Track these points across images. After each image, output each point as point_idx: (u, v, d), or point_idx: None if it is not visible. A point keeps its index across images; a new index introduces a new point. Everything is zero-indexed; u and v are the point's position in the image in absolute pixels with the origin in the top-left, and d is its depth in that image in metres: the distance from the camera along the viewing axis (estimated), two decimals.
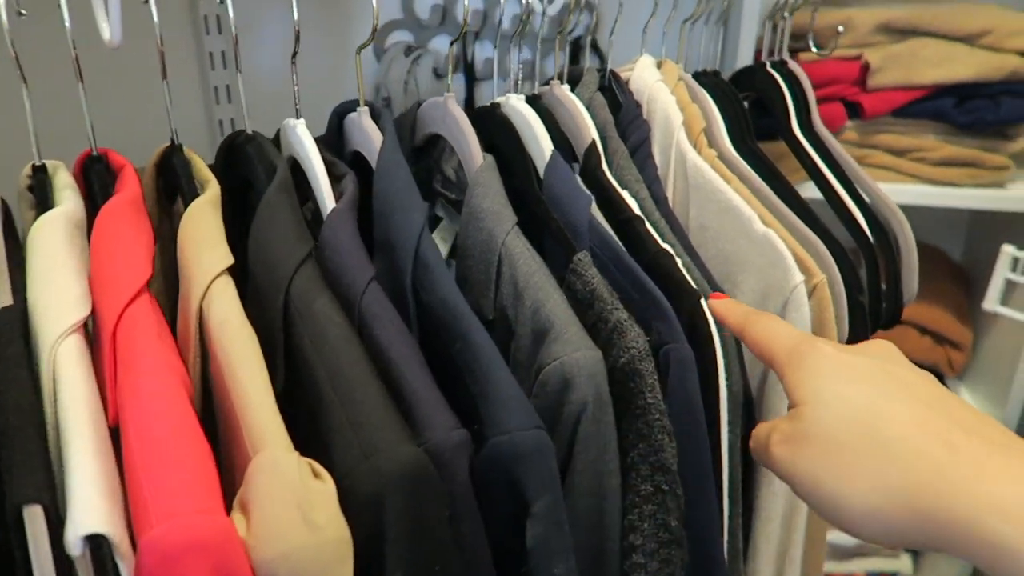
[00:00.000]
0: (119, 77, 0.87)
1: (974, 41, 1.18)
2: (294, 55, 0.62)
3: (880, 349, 0.42)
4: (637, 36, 0.88)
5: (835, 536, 1.51)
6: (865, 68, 1.20)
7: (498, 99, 0.75)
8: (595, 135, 0.73)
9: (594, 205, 0.66)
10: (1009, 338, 1.26)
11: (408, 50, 1.09)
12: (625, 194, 0.68)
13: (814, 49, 1.10)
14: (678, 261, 0.63)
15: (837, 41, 1.15)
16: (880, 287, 0.78)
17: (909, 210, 1.23)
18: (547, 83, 0.79)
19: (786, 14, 0.97)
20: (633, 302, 0.58)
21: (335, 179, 0.65)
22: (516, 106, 0.71)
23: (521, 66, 0.79)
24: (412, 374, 0.48)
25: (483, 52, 1.19)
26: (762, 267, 0.68)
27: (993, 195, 1.19)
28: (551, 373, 0.52)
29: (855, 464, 0.37)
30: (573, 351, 0.52)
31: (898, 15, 1.19)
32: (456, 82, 1.18)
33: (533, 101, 0.73)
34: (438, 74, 1.13)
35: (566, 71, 0.79)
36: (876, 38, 1.21)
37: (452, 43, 0.68)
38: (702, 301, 0.60)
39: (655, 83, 0.79)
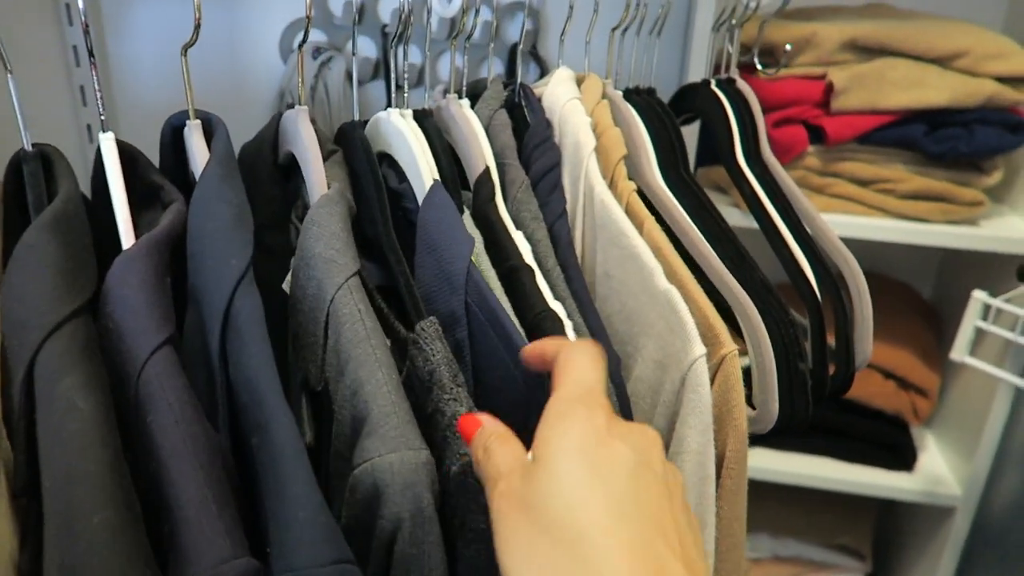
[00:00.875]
0: None
1: (948, 63, 1.07)
2: (188, 46, 0.51)
3: (641, 439, 0.39)
4: (578, 46, 0.76)
5: (803, 551, 1.41)
6: (829, 88, 1.09)
7: (380, 113, 0.63)
8: (490, 161, 0.61)
9: (479, 250, 0.55)
10: (979, 386, 1.16)
11: (316, 52, 0.97)
12: (518, 236, 0.57)
13: (759, 66, 0.99)
14: (566, 325, 0.51)
15: (789, 59, 1.05)
16: (825, 352, 0.67)
17: (876, 245, 1.13)
18: (444, 94, 0.67)
19: (733, 23, 0.86)
20: (513, 384, 0.47)
21: (163, 207, 0.53)
22: (395, 124, 0.59)
23: (410, 70, 0.68)
24: (183, 483, 0.36)
25: (408, 57, 1.07)
26: (661, 332, 0.56)
27: (965, 233, 1.08)
28: (360, 477, 0.41)
29: (543, 563, 0.34)
30: (388, 451, 0.40)
31: (867, 31, 1.09)
32: (375, 90, 1.06)
33: (422, 117, 0.61)
34: (352, 79, 1.00)
35: (464, 81, 0.67)
36: (842, 56, 1.11)
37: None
38: None
39: (568, 102, 0.68)
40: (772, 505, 1.43)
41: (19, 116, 0.47)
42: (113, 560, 0.33)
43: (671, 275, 0.59)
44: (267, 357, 0.43)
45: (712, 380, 0.56)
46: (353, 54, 0.60)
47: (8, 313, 0.41)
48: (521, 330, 0.50)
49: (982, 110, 1.06)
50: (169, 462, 0.37)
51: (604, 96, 0.72)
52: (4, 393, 0.41)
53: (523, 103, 0.70)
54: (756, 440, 1.28)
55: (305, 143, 0.55)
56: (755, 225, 0.75)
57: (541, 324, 0.51)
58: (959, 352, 1.01)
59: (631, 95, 0.78)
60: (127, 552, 0.33)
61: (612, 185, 0.65)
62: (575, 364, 0.41)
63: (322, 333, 0.46)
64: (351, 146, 0.58)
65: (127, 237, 0.47)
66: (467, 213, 0.59)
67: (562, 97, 0.68)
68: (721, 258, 0.64)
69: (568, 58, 0.75)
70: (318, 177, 0.54)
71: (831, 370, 0.67)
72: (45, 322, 0.40)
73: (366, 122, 0.62)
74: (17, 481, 0.39)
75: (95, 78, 0.51)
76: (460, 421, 0.42)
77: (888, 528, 1.48)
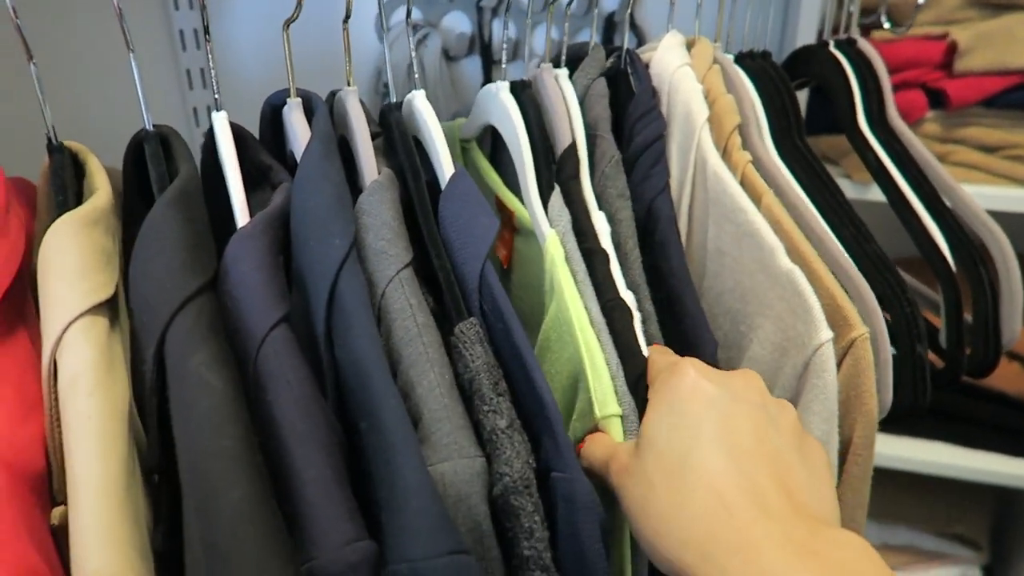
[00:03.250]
0: (76, 60, 0.77)
1: None
2: (290, 21, 0.51)
3: (737, 379, 0.42)
4: (683, 10, 0.73)
5: (915, 540, 1.35)
6: (951, 49, 1.02)
7: (489, 86, 0.61)
8: (578, 135, 0.58)
9: (566, 229, 0.52)
10: None
11: (413, 28, 0.95)
12: (598, 216, 0.54)
13: (886, 25, 0.93)
14: (635, 319, 0.49)
15: (915, 16, 0.98)
16: (961, 330, 0.62)
17: (1002, 217, 1.05)
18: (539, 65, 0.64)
19: None
20: (524, 399, 0.44)
21: (271, 187, 0.53)
22: (417, 106, 0.56)
23: (508, 43, 0.65)
24: (303, 462, 0.36)
25: (503, 31, 1.05)
26: (782, 314, 0.53)
27: None
28: None
29: (663, 514, 0.37)
30: (440, 459, 0.38)
31: None
32: (471, 65, 1.05)
33: (519, 90, 0.59)
34: (449, 56, 0.99)
35: (564, 49, 0.64)
36: (965, 13, 1.03)
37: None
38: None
39: (679, 68, 0.64)
40: (882, 491, 1.35)
41: (140, 96, 0.48)
42: (254, 535, 0.32)
43: (793, 253, 0.55)
44: (374, 339, 0.42)
45: (840, 364, 0.53)
46: (483, 33, 0.58)
47: (137, 288, 0.41)
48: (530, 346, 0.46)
49: None
50: (289, 441, 0.37)
51: (715, 62, 0.68)
52: (135, 371, 0.41)
53: (629, 70, 0.67)
54: None
55: (354, 126, 0.52)
56: (877, 197, 0.71)
57: (612, 314, 0.48)
58: None
59: (743, 59, 0.74)
60: (267, 527, 0.33)
61: (726, 156, 0.62)
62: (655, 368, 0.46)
63: (377, 330, 0.44)
64: (388, 131, 0.55)
65: (242, 215, 0.47)
66: (558, 190, 0.56)
67: (672, 64, 0.65)
68: (835, 233, 0.60)
69: (674, 23, 0.72)
70: (368, 162, 0.51)
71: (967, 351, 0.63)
72: (174, 298, 0.40)
73: (400, 104, 0.58)
74: (150, 458, 0.39)
75: (210, 60, 0.51)
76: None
77: (1007, 518, 1.39)
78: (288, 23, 0.51)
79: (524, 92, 0.59)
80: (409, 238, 0.49)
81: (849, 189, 1.05)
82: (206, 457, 0.34)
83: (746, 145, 0.65)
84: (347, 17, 0.54)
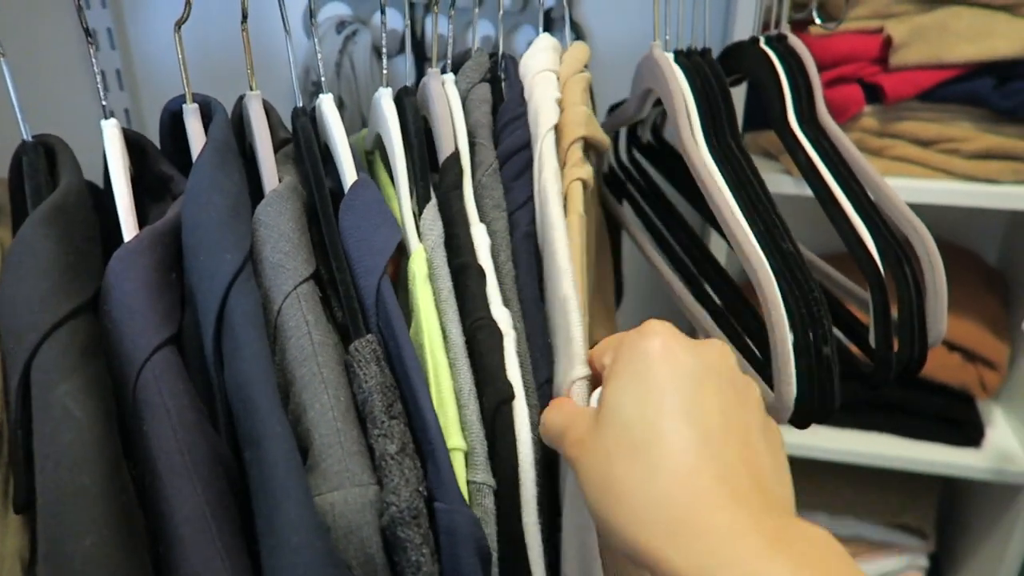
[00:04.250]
0: None
1: (1018, 9, 0.99)
2: (180, 23, 0.49)
3: (714, 352, 0.39)
4: (627, 5, 0.70)
5: (863, 531, 1.36)
6: (887, 43, 1.01)
7: (376, 93, 0.58)
8: (461, 143, 0.55)
9: (435, 244, 0.50)
10: None
11: (341, 25, 0.93)
12: (478, 229, 0.51)
13: (818, 20, 0.92)
14: (507, 340, 0.46)
15: (847, 12, 0.97)
16: (889, 329, 0.61)
17: (938, 209, 1.05)
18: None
19: None
20: (413, 422, 0.42)
21: (172, 198, 0.50)
22: (323, 110, 0.54)
23: (442, 40, 0.63)
24: (179, 498, 0.34)
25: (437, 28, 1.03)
26: (562, 342, 0.48)
27: None
28: None
29: (625, 492, 0.35)
30: (330, 488, 0.36)
31: None
32: (403, 64, 1.02)
33: (402, 96, 0.56)
34: (379, 53, 0.97)
35: (450, 53, 0.61)
36: (901, 7, 1.03)
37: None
38: (512, 404, 0.43)
39: (539, 73, 0.61)
40: (830, 484, 1.37)
41: (15, 105, 0.45)
42: (97, 549, 0.30)
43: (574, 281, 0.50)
44: (262, 361, 0.39)
45: None
46: (415, 30, 0.56)
47: (3, 315, 0.38)
48: (421, 370, 0.44)
49: None
50: (165, 475, 0.35)
51: (585, 67, 0.66)
52: (6, 403, 0.38)
53: (503, 76, 0.64)
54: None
55: (256, 133, 0.50)
56: (811, 193, 0.70)
57: (476, 335, 0.46)
58: None
59: (679, 57, 0.72)
60: (106, 550, 0.31)
61: (564, 168, 0.58)
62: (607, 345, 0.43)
63: (273, 348, 0.42)
64: (295, 136, 0.53)
65: (129, 229, 0.44)
66: (433, 202, 0.54)
67: (534, 68, 0.62)
68: (753, 229, 0.58)
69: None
70: (269, 170, 0.50)
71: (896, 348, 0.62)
72: (41, 323, 0.37)
73: (312, 110, 0.56)
74: (18, 497, 0.37)
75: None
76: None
77: (952, 507, 1.41)
78: (179, 24, 0.49)
79: (407, 99, 0.56)
80: (314, 250, 0.47)
81: (791, 185, 1.05)
82: (62, 497, 0.32)
83: (676, 143, 0.63)
84: (244, 18, 0.51)
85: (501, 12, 0.68)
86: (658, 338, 0.38)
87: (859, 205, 0.65)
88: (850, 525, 1.37)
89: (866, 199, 0.67)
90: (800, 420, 0.60)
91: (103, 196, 0.49)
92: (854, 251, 0.63)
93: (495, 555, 0.43)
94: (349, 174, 0.50)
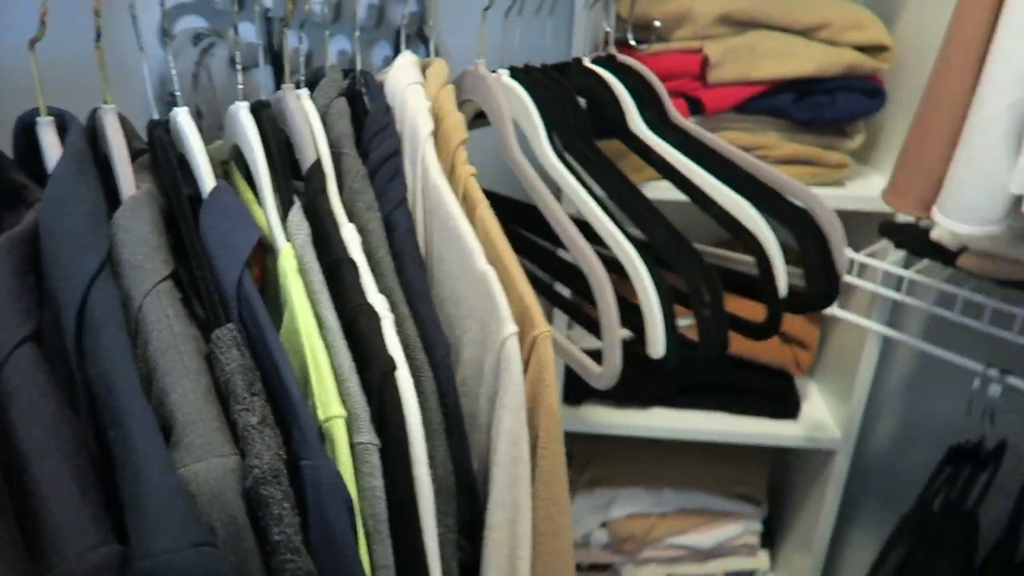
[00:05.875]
0: None
1: (813, 34, 1.14)
2: (35, 40, 0.51)
3: None
4: (475, 25, 0.77)
5: (692, 540, 1.49)
6: (705, 62, 1.14)
7: (231, 107, 0.63)
8: (323, 152, 0.62)
9: (304, 243, 0.56)
10: (852, 336, 1.25)
11: (197, 38, 0.95)
12: (348, 228, 0.58)
13: (632, 41, 1.03)
14: (383, 321, 0.53)
15: (661, 34, 1.10)
16: (774, 288, 0.72)
17: None
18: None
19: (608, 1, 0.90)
20: (277, 397, 0.48)
21: (27, 206, 0.53)
22: (178, 122, 0.59)
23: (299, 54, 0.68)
24: (44, 476, 0.38)
25: (294, 41, 1.07)
26: (480, 313, 0.58)
27: (832, 193, 1.16)
28: None
29: None
30: (194, 460, 0.41)
31: (738, 6, 1.15)
32: (262, 75, 1.05)
33: (258, 109, 0.62)
34: (236, 66, 1.00)
35: (303, 73, 0.67)
36: (717, 30, 1.16)
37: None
38: (395, 374, 0.50)
39: (408, 87, 0.68)
40: (676, 461, 1.50)
41: None
42: None
43: (494, 258, 0.61)
44: (122, 351, 0.44)
45: (527, 363, 0.58)
46: (272, 43, 0.60)
47: None
48: (287, 354, 0.49)
49: (844, 78, 1.14)
50: (31, 456, 0.39)
51: (448, 81, 0.74)
52: None
53: (363, 90, 0.71)
54: (655, 400, 1.35)
55: (111, 144, 0.54)
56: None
57: (356, 319, 0.52)
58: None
59: (518, 72, 0.80)
60: None
61: (452, 170, 0.67)
62: None
63: (134, 342, 0.46)
64: (151, 146, 0.58)
65: None
66: (297, 205, 0.59)
67: (402, 82, 0.69)
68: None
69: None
70: (126, 179, 0.54)
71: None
72: None
73: (167, 121, 0.60)
74: None
75: None
76: None
77: (782, 474, 1.58)
78: (33, 42, 0.51)
79: (264, 111, 0.61)
80: (175, 252, 0.51)
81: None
82: None
83: (528, 151, 0.71)
84: (97, 36, 0.55)
85: (358, 32, 0.74)
86: None
87: (740, 188, 0.74)
88: (695, 498, 1.51)
89: (741, 178, 0.76)
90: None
91: None
92: (729, 228, 0.73)
93: (384, 507, 0.49)
94: (208, 180, 0.55)
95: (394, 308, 0.55)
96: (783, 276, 0.73)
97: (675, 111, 0.87)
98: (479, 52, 0.79)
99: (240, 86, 0.63)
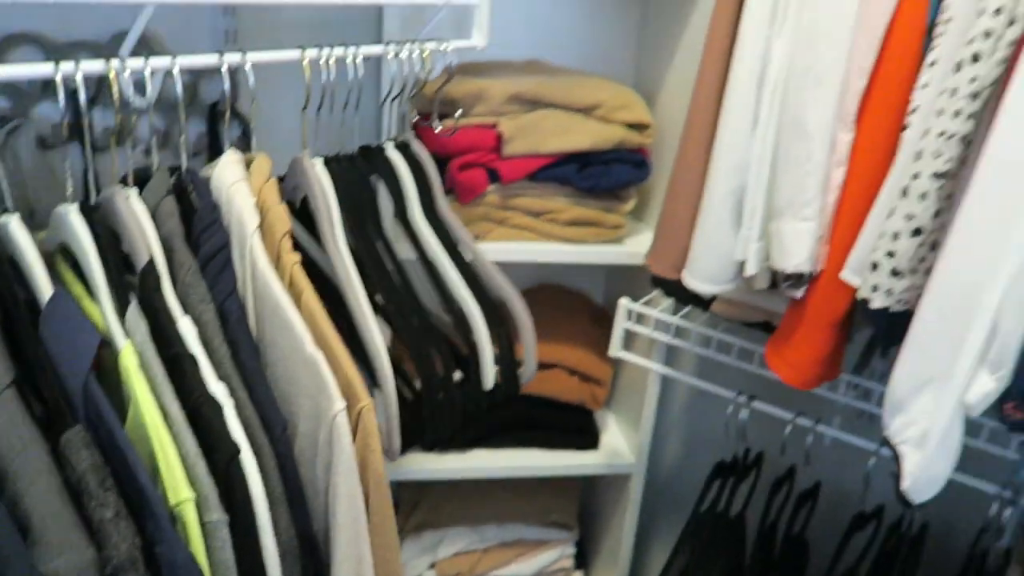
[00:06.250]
0: None
1: (589, 113, 1.31)
2: None
3: None
4: (286, 106, 0.84)
5: (514, 570, 1.60)
6: (499, 137, 1.28)
7: (59, 209, 0.67)
8: (155, 250, 0.67)
9: (144, 339, 0.61)
10: (638, 373, 1.43)
11: (1, 121, 0.96)
12: (184, 321, 0.64)
13: (435, 127, 1.15)
14: (224, 408, 0.60)
15: (460, 116, 1.22)
16: (479, 376, 0.83)
17: (549, 267, 1.34)
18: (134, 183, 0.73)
19: (412, 93, 1.01)
20: (129, 490, 0.53)
21: None
22: (10, 230, 0.62)
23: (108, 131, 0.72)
24: None
25: (103, 119, 1.09)
26: (312, 392, 0.67)
27: (612, 250, 1.34)
28: None
29: None
30: (52, 557, 0.46)
31: (526, 87, 1.30)
32: (71, 152, 1.07)
33: (89, 211, 0.67)
34: (45, 145, 1.01)
35: (131, 172, 0.73)
36: (509, 108, 1.30)
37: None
38: (239, 457, 0.57)
39: (233, 184, 0.76)
40: (495, 497, 1.61)
41: None
42: None
43: (321, 340, 0.69)
44: None
45: (355, 431, 0.67)
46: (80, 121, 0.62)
47: None
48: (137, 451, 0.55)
49: (617, 151, 1.31)
50: None
51: (271, 176, 0.82)
52: None
53: (191, 188, 0.77)
54: (472, 443, 1.46)
55: None
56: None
57: (200, 408, 0.59)
58: (615, 349, 1.26)
59: (330, 162, 0.89)
60: None
61: (278, 259, 0.74)
62: None
63: None
64: None
65: None
66: (134, 303, 0.64)
67: (228, 180, 0.76)
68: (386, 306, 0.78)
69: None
70: None
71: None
72: None
73: None
74: None
75: None
76: None
77: (590, 499, 1.73)
78: None
79: (95, 213, 0.66)
80: (14, 357, 0.55)
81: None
82: None
83: (321, 240, 0.80)
84: None
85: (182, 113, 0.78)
86: None
87: (466, 277, 0.87)
88: (514, 530, 1.62)
89: (473, 275, 0.89)
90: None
91: None
92: (456, 316, 0.85)
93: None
94: (44, 288, 0.59)
95: (233, 393, 0.61)
96: (490, 367, 0.87)
97: (442, 201, 0.99)
98: (302, 143, 0.87)
99: (49, 168, 0.67)
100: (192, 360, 0.61)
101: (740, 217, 0.91)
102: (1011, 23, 0.66)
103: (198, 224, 0.72)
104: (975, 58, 0.68)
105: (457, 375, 0.87)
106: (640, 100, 1.34)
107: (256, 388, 0.65)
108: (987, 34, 0.67)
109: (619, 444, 1.51)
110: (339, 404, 0.65)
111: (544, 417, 1.47)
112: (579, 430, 1.50)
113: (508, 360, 0.83)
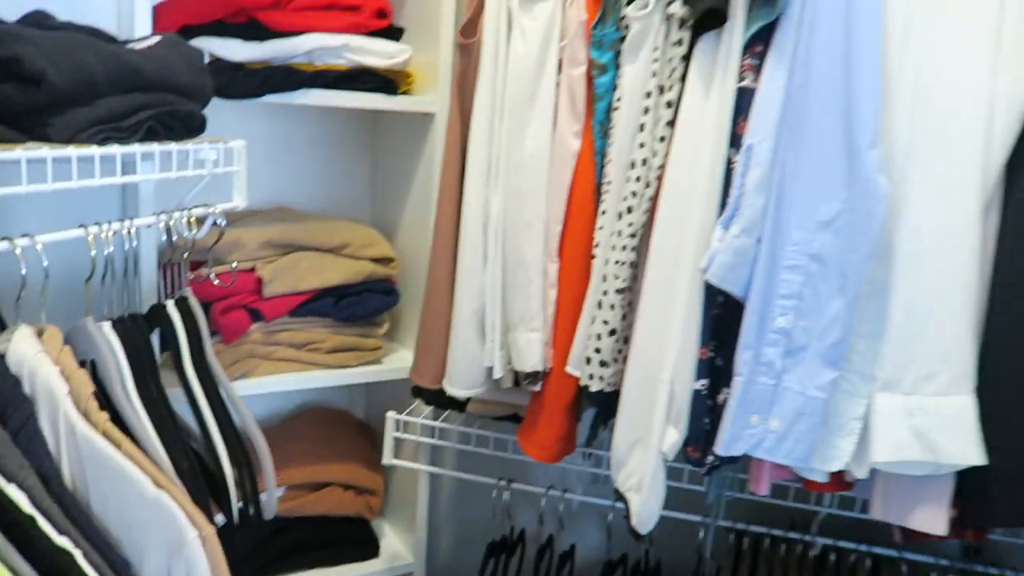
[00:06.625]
0: None
1: (339, 252, 1.48)
2: None
3: None
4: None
5: None
6: (259, 280, 1.40)
7: None
8: None
9: None
10: (408, 476, 1.58)
11: None
12: (11, 488, 0.68)
13: (216, 282, 1.25)
14: (77, 556, 0.66)
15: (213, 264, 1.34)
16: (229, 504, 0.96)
17: (317, 389, 1.45)
18: None
19: (184, 257, 1.11)
20: None
21: None
22: None
23: None
24: None
25: None
26: (162, 530, 0.75)
27: (375, 369, 1.50)
28: None
29: None
30: None
31: (278, 233, 1.44)
32: None
33: None
34: None
35: None
36: (265, 252, 1.43)
37: None
38: None
39: (35, 355, 0.81)
40: None
41: None
42: None
43: (156, 480, 0.77)
44: None
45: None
46: None
47: None
48: None
49: (367, 282, 1.50)
50: None
51: (64, 344, 0.89)
52: None
53: None
54: (260, 571, 1.49)
55: None
56: None
57: (53, 560, 0.65)
58: (387, 458, 1.41)
59: (116, 324, 0.96)
60: None
61: (88, 418, 0.80)
62: None
63: None
64: None
65: None
66: None
67: (28, 352, 0.81)
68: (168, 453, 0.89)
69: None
70: None
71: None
72: None
73: None
74: None
75: None
76: None
77: None
78: None
79: None
80: None
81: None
82: None
83: (113, 399, 0.88)
84: None
85: None
86: None
87: (220, 421, 1.00)
88: None
89: (227, 417, 1.02)
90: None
91: None
92: (208, 453, 0.97)
93: None
94: None
95: (77, 544, 0.67)
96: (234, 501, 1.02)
97: (210, 350, 1.10)
98: (85, 311, 0.94)
99: None
100: (31, 519, 0.66)
101: (484, 332, 1.14)
102: (647, 186, 0.97)
103: (2, 399, 0.76)
104: (629, 210, 0.98)
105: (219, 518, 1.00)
106: (381, 238, 1.54)
107: (94, 536, 0.71)
108: (634, 194, 0.98)
109: (397, 547, 1.63)
110: (192, 532, 0.73)
111: (325, 535, 1.56)
112: (358, 542, 1.60)
113: (253, 492, 0.97)
